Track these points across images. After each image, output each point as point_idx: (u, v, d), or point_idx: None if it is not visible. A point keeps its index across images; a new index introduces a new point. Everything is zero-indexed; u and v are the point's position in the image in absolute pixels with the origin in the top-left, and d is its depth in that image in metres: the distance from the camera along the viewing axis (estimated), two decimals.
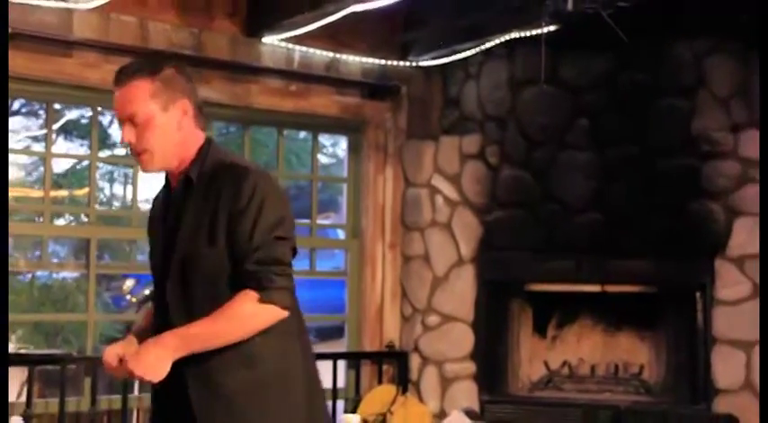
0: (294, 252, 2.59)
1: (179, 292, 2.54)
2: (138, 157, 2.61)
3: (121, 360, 2.51)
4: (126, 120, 2.57)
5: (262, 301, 2.45)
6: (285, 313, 2.49)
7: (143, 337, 2.60)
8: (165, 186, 2.72)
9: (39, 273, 8.47)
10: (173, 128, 2.58)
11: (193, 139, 2.62)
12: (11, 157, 8.54)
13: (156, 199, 2.80)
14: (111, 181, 10.83)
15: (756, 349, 5.61)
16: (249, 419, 2.50)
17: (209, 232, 2.50)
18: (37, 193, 8.39)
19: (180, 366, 2.45)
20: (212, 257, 2.50)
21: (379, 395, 5.87)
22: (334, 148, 10.88)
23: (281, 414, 2.51)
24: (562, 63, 5.96)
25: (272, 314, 2.47)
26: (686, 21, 5.64)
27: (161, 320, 2.59)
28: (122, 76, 2.58)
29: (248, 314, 2.46)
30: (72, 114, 10.22)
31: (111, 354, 2.57)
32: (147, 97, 2.55)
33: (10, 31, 4.72)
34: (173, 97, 2.58)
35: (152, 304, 2.76)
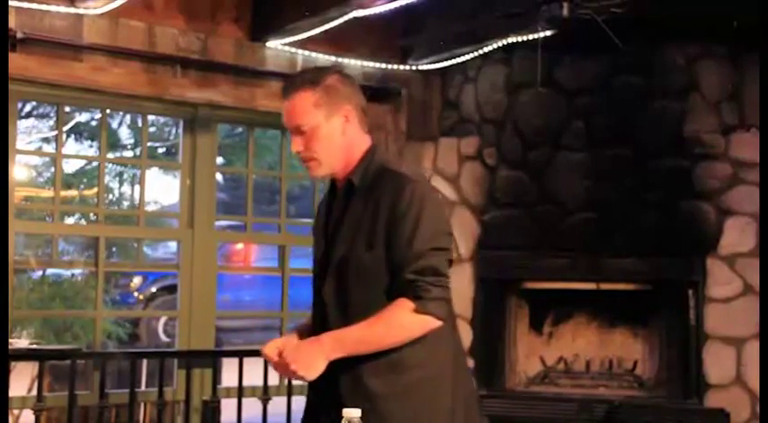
0: (451, 263, 2.59)
1: (336, 293, 2.57)
2: (306, 163, 2.65)
3: (280, 354, 2.51)
4: (293, 130, 2.62)
5: (417, 311, 2.46)
6: (439, 323, 2.50)
7: (305, 334, 2.62)
8: (330, 191, 2.74)
9: (49, 270, 8.45)
10: (337, 135, 2.61)
11: (358, 143, 2.66)
12: (23, 157, 8.70)
13: (321, 204, 2.81)
14: (120, 181, 10.96)
15: (747, 346, 5.69)
16: (394, 421, 2.51)
17: (368, 237, 2.52)
18: (47, 192, 8.42)
19: (334, 368, 2.47)
20: (369, 262, 2.51)
21: None
22: None
23: (425, 418, 2.53)
24: (558, 67, 6.02)
25: (426, 324, 2.48)
26: (678, 26, 5.68)
27: (319, 320, 2.62)
28: (288, 89, 2.63)
29: (403, 323, 2.48)
30: (82, 117, 10.34)
31: (271, 347, 2.58)
32: (311, 108, 2.58)
33: (22, 35, 4.91)
34: (335, 105, 2.60)
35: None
